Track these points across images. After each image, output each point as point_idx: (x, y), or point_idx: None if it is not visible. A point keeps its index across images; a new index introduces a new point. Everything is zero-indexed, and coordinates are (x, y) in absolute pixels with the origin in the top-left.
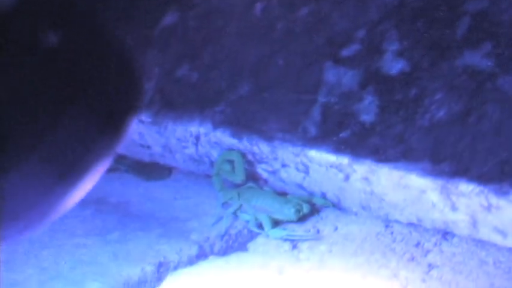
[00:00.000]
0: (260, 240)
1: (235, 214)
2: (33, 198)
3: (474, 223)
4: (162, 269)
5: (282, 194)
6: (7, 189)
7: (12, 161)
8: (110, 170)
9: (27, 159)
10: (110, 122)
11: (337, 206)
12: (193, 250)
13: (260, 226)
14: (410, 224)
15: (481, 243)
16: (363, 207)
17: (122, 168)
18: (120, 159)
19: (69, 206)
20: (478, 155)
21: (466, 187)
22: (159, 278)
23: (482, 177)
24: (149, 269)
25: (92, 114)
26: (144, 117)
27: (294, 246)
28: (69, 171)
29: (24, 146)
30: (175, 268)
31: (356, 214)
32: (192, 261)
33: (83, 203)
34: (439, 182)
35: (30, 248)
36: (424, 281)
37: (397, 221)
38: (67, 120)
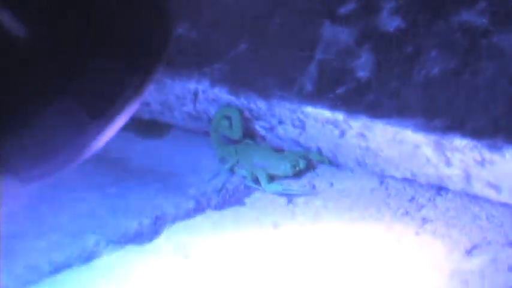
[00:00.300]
0: (257, 195)
1: (232, 170)
2: (69, 136)
3: (468, 178)
4: (159, 222)
5: (279, 150)
6: (45, 127)
7: (47, 102)
8: None
9: (61, 100)
10: (139, 65)
11: (333, 162)
12: (191, 204)
13: (257, 181)
14: (405, 180)
15: (475, 198)
16: (359, 163)
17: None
18: None
19: (100, 144)
20: (472, 111)
21: (459, 142)
22: (156, 231)
23: (476, 132)
24: (146, 222)
25: (122, 57)
26: None
27: (290, 201)
28: (100, 112)
29: (58, 87)
30: (173, 221)
31: (352, 170)
32: (189, 215)
33: (84, 159)
34: (433, 138)
35: (29, 202)
36: (417, 234)
37: (392, 177)
38: (98, 62)
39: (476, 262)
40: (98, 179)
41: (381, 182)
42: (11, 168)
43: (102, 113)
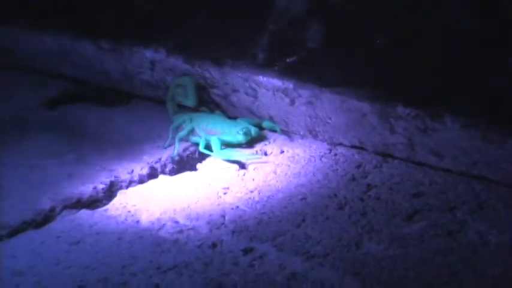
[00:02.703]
0: (209, 161)
1: (187, 137)
2: None
3: (412, 145)
4: (114, 188)
5: (233, 118)
6: None
7: None
8: (72, 98)
9: None
10: None
11: (285, 130)
12: (144, 170)
13: (210, 148)
14: (353, 147)
15: (419, 166)
16: (309, 131)
17: (82, 93)
18: (81, 86)
19: None
20: (415, 80)
21: (403, 110)
22: (110, 196)
23: (418, 101)
24: (101, 187)
25: None
26: (103, 44)
27: (241, 167)
28: None
29: None
30: (127, 187)
31: (302, 137)
32: (142, 181)
33: (44, 128)
34: (378, 106)
35: None
36: (362, 200)
37: (341, 144)
38: None
39: (416, 227)
40: (56, 147)
41: (330, 150)
42: None
43: None
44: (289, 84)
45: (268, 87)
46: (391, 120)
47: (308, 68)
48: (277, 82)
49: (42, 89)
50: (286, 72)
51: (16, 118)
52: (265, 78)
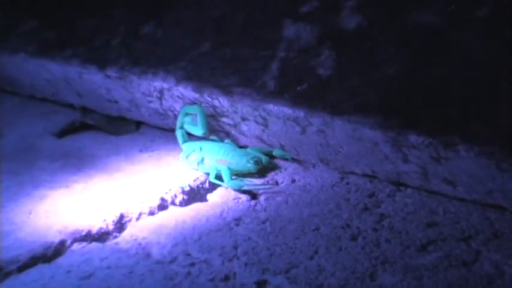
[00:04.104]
0: (220, 191)
1: (197, 167)
2: None
3: (425, 174)
4: (124, 220)
5: (243, 147)
6: None
7: None
8: (79, 127)
9: None
10: None
11: (296, 158)
12: (155, 201)
13: (220, 178)
14: (365, 176)
15: (433, 194)
16: (320, 159)
17: (91, 122)
18: (89, 114)
19: None
20: (428, 109)
21: (416, 139)
22: (120, 228)
23: (431, 130)
24: (111, 219)
25: None
26: (111, 72)
27: (253, 198)
28: None
29: None
30: (137, 219)
31: (314, 166)
32: (153, 212)
33: (52, 157)
34: (391, 135)
35: None
36: (375, 230)
37: (353, 173)
38: None
39: (431, 258)
40: (64, 176)
41: (342, 178)
42: None
43: None
44: (300, 113)
45: (279, 116)
46: (404, 149)
47: (319, 96)
48: (287, 110)
49: (49, 117)
50: (297, 100)
51: (24, 146)
52: (275, 107)
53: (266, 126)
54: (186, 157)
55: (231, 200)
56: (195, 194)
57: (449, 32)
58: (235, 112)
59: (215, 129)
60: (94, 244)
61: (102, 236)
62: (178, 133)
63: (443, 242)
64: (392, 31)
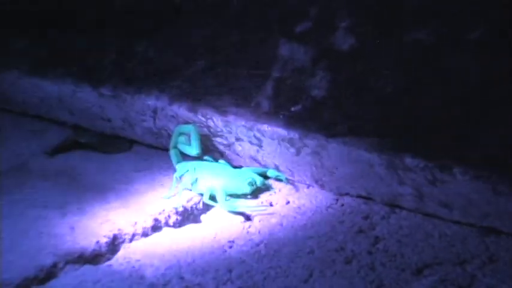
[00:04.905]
0: (214, 213)
1: (191, 187)
2: None
3: (420, 197)
4: (117, 242)
5: (237, 167)
6: None
7: None
8: (72, 145)
9: None
10: None
11: (291, 179)
12: (148, 222)
13: (214, 199)
14: (360, 197)
15: (428, 217)
16: (315, 180)
17: (83, 141)
18: (82, 133)
19: None
20: (424, 131)
21: (411, 162)
22: (113, 250)
23: (427, 152)
24: (104, 241)
25: None
26: (104, 90)
27: (247, 219)
28: None
29: None
30: (130, 240)
31: (308, 187)
32: (146, 234)
33: (44, 176)
34: (386, 157)
35: None
36: (370, 253)
37: (347, 194)
38: None
39: (427, 282)
40: (57, 196)
41: (337, 200)
42: None
43: None
44: (295, 134)
45: (273, 137)
46: (399, 172)
47: (314, 117)
48: (282, 131)
49: (41, 135)
50: (291, 121)
51: (16, 165)
52: (270, 128)
53: (260, 146)
54: (180, 177)
55: (224, 222)
56: (189, 215)
57: (443, 52)
58: (230, 132)
59: (209, 149)
60: (87, 266)
61: (95, 258)
62: (172, 153)
63: (438, 266)
64: (387, 52)
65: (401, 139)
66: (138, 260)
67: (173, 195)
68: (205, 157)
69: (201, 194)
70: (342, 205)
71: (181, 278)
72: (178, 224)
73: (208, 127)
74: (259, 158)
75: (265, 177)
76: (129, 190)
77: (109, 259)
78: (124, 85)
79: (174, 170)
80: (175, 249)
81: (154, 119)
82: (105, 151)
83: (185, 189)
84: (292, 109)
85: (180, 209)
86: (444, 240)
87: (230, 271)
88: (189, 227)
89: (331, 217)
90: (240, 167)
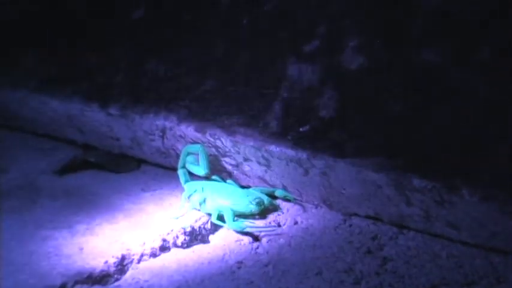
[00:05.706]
0: (222, 233)
1: (199, 207)
2: None
3: (428, 217)
4: (125, 262)
5: (245, 187)
6: None
7: None
8: (81, 165)
9: None
10: None
11: (299, 199)
12: (156, 243)
13: (222, 219)
14: (368, 218)
15: (436, 238)
16: (323, 201)
17: (92, 160)
18: (91, 152)
19: None
20: (431, 150)
21: (419, 183)
22: (122, 270)
23: (435, 173)
24: (113, 261)
25: None
26: (113, 110)
27: (255, 240)
28: None
29: None
30: (139, 261)
31: (316, 207)
32: (154, 254)
33: (53, 195)
34: (394, 178)
35: None
36: (378, 274)
37: (356, 215)
38: None
39: None
40: (66, 215)
41: (345, 220)
42: None
43: None
44: (303, 155)
45: (281, 157)
46: (407, 192)
47: (322, 137)
48: (290, 152)
49: (50, 153)
50: (299, 142)
51: (25, 184)
52: (278, 148)
53: (269, 167)
54: (188, 197)
55: (233, 242)
56: (197, 235)
57: (452, 72)
58: (238, 152)
59: (217, 169)
60: (96, 287)
61: (103, 278)
62: (180, 173)
63: (446, 287)
64: (395, 71)
65: (409, 159)
66: (147, 281)
67: (182, 216)
68: (214, 177)
69: (209, 214)
70: (350, 225)
71: None
72: (187, 244)
73: (217, 147)
74: (267, 178)
75: (273, 197)
76: (138, 209)
77: (118, 279)
78: (133, 104)
79: (182, 190)
80: (183, 270)
81: (163, 139)
82: (113, 170)
83: (193, 209)
84: (301, 129)
85: (188, 229)
86: (452, 260)
87: None
88: (198, 247)
89: (339, 238)
90: (248, 187)
